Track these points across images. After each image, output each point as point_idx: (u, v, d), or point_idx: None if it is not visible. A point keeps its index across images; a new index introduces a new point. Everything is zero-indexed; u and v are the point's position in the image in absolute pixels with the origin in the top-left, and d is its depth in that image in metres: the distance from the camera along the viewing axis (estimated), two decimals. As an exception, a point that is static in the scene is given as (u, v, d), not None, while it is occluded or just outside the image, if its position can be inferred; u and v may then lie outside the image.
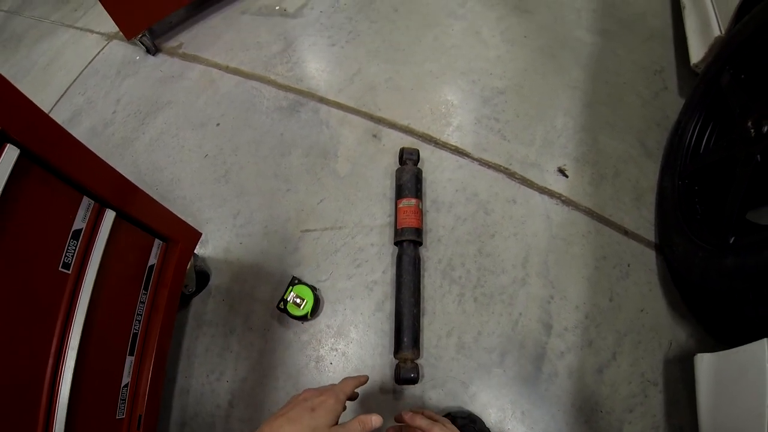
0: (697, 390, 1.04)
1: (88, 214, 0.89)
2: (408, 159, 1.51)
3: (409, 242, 1.36)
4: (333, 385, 0.81)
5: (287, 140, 1.75)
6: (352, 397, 0.87)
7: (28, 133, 0.72)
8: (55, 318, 0.81)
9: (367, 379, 0.92)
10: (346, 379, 0.84)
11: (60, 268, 0.82)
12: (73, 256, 0.84)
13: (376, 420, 0.73)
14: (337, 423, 0.72)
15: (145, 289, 1.10)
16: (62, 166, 0.80)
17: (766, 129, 1.05)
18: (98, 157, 0.90)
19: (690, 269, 1.16)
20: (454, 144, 1.65)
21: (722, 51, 1.33)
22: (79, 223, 0.86)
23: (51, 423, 0.79)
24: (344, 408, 0.78)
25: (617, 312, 1.32)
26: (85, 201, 0.88)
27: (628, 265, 1.38)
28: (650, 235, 1.43)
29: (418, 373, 1.20)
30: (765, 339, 0.86)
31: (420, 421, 0.84)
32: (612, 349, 1.26)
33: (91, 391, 0.89)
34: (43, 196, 0.78)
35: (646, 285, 1.35)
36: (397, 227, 1.39)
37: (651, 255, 1.40)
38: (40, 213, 0.77)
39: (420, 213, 1.41)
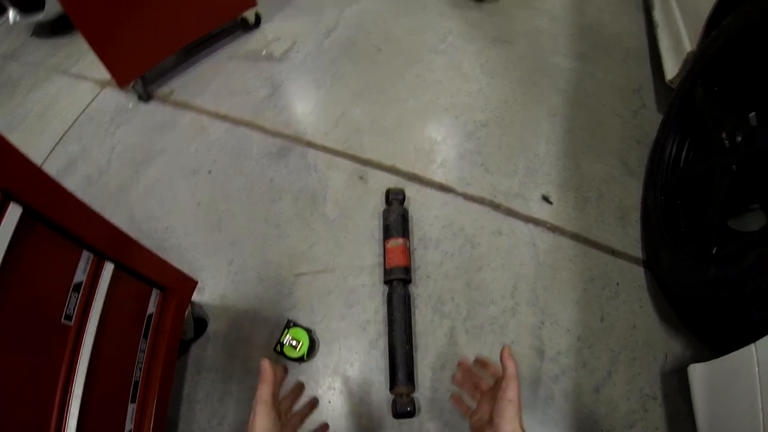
0: (693, 400, 1.06)
1: (88, 267, 0.92)
2: (394, 199, 1.56)
3: (398, 281, 1.39)
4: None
5: (277, 186, 1.79)
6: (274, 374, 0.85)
7: (30, 191, 0.75)
8: (59, 368, 0.84)
9: (283, 368, 0.92)
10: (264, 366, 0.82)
11: (63, 320, 0.85)
12: (74, 308, 0.87)
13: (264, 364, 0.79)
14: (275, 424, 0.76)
15: (145, 337, 1.13)
16: (63, 221, 0.84)
17: (739, 139, 1.09)
18: (96, 212, 0.93)
19: (677, 282, 1.19)
20: (438, 181, 1.69)
21: (694, 66, 1.38)
22: (80, 276, 0.89)
23: (58, 471, 0.81)
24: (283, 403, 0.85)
25: (610, 331, 1.34)
26: (85, 254, 0.91)
27: (617, 284, 1.41)
28: (637, 252, 1.46)
29: (414, 407, 1.22)
30: (752, 344, 0.88)
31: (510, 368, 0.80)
32: (607, 368, 1.28)
33: (95, 437, 0.92)
34: (46, 251, 0.82)
35: (636, 302, 1.38)
36: (386, 267, 1.43)
37: (639, 272, 1.43)
38: (42, 267, 0.81)
39: (407, 251, 1.45)
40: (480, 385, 0.93)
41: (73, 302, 0.87)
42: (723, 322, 1.15)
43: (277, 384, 0.83)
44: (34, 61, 2.89)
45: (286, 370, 0.95)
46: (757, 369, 0.85)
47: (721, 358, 0.97)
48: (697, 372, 1.05)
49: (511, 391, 0.75)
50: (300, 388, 0.99)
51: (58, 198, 0.84)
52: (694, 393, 1.06)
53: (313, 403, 1.00)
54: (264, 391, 0.77)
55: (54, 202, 0.83)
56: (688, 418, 1.15)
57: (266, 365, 0.80)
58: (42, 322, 0.81)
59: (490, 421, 0.77)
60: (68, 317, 0.86)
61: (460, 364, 1.01)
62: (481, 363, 0.97)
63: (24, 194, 0.74)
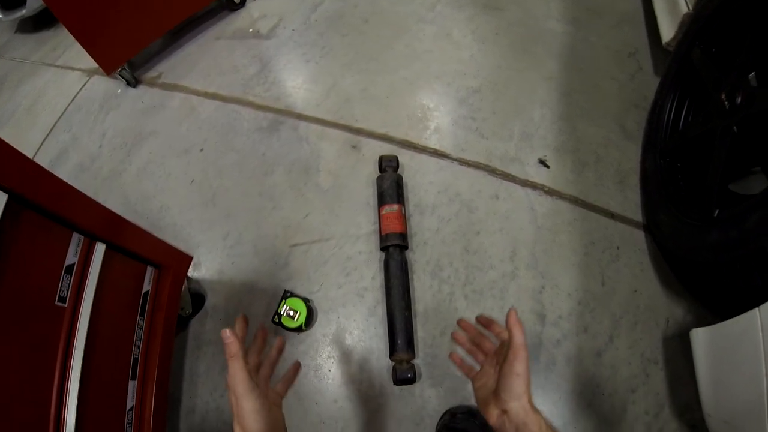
0: (695, 364, 1.04)
1: (79, 249, 0.91)
2: (387, 166, 1.54)
3: (395, 247, 1.38)
4: None
5: (269, 159, 1.77)
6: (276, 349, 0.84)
7: (14, 178, 0.74)
8: (56, 350, 0.83)
9: (242, 318, 0.83)
10: (226, 334, 0.71)
11: (56, 302, 0.84)
12: (68, 290, 0.87)
13: (278, 342, 0.79)
14: (249, 386, 0.68)
15: (142, 315, 1.12)
16: (49, 205, 0.83)
17: (739, 100, 1.06)
18: (83, 193, 0.93)
19: (678, 246, 1.17)
20: (432, 147, 1.67)
21: (691, 27, 1.36)
22: (71, 258, 0.89)
23: (60, 451, 0.80)
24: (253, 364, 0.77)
25: (611, 295, 1.33)
26: (75, 237, 0.90)
27: (618, 248, 1.40)
28: (637, 216, 1.45)
29: (415, 373, 1.22)
30: (756, 309, 0.86)
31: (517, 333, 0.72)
32: (608, 333, 1.27)
33: (96, 416, 0.91)
34: (34, 236, 0.81)
35: (637, 266, 1.36)
36: (382, 233, 1.41)
37: (640, 235, 1.41)
38: (32, 252, 0.80)
39: (403, 218, 1.43)
40: (483, 345, 0.86)
41: (66, 284, 0.87)
42: (725, 285, 1.14)
43: (247, 353, 0.76)
44: (20, 56, 2.88)
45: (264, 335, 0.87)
46: (761, 334, 0.84)
47: (724, 323, 0.96)
48: (700, 337, 1.04)
49: (519, 365, 0.68)
50: (263, 337, 0.88)
51: (43, 182, 0.83)
52: (696, 358, 1.05)
53: (296, 368, 0.89)
54: (237, 369, 0.68)
55: (39, 186, 0.82)
56: (689, 382, 1.15)
57: (227, 335, 0.70)
58: (35, 306, 0.81)
59: (496, 393, 0.71)
60: (62, 299, 0.85)
61: (460, 322, 0.94)
62: (484, 322, 0.87)
63: (8, 181, 0.73)
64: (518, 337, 0.70)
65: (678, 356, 1.21)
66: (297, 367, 0.87)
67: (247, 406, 0.67)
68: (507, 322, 0.73)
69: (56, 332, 0.84)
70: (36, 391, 0.80)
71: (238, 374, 0.68)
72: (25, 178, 0.78)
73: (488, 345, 0.86)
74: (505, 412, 0.69)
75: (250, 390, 0.67)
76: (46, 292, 0.83)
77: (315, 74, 2.01)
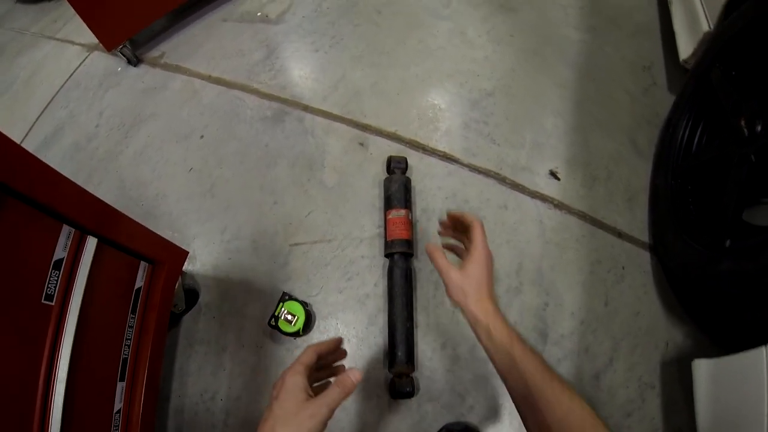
0: (695, 395, 1.03)
1: (69, 242, 0.86)
2: (396, 168, 1.49)
3: (399, 254, 1.34)
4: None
5: (272, 151, 1.72)
6: (336, 355, 0.81)
7: (0, 165, 0.69)
8: (41, 351, 0.79)
9: (338, 342, 0.80)
10: (307, 347, 0.73)
11: (43, 301, 0.79)
12: (55, 287, 0.82)
13: (355, 375, 0.67)
14: (306, 396, 0.64)
15: (133, 312, 1.08)
16: (38, 196, 0.78)
17: (759, 128, 1.03)
18: (76, 183, 0.87)
19: (685, 271, 1.16)
20: (442, 150, 1.63)
21: (711, 47, 1.32)
22: (60, 252, 0.83)
23: (44, 455, 0.77)
24: (319, 375, 0.75)
25: (613, 316, 1.31)
26: (65, 229, 0.85)
27: (623, 268, 1.37)
28: (644, 236, 1.42)
29: (413, 387, 1.19)
30: (763, 347, 0.85)
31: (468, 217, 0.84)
32: (609, 354, 1.26)
33: (82, 420, 0.87)
34: (20, 228, 0.76)
35: (641, 287, 1.34)
36: (387, 239, 1.37)
37: (645, 256, 1.39)
38: (18, 245, 0.75)
39: (410, 223, 1.39)
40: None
41: (53, 281, 0.82)
42: (730, 316, 1.15)
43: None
44: (19, 27, 2.79)
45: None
46: (766, 373, 0.83)
47: (729, 357, 0.94)
48: (702, 368, 1.03)
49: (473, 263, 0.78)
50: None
51: (31, 170, 0.78)
52: (696, 389, 1.03)
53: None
54: (306, 355, 0.70)
55: (27, 174, 0.76)
56: (684, 409, 1.15)
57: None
58: (19, 304, 0.76)
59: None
60: (49, 297, 0.80)
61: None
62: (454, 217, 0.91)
63: None
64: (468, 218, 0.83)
65: (675, 382, 1.20)
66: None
67: (286, 383, 0.65)
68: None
69: (42, 333, 0.79)
70: (19, 391, 0.75)
71: (303, 357, 0.69)
72: (11, 165, 0.72)
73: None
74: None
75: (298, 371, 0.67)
76: (32, 289, 0.78)
77: (324, 64, 1.96)
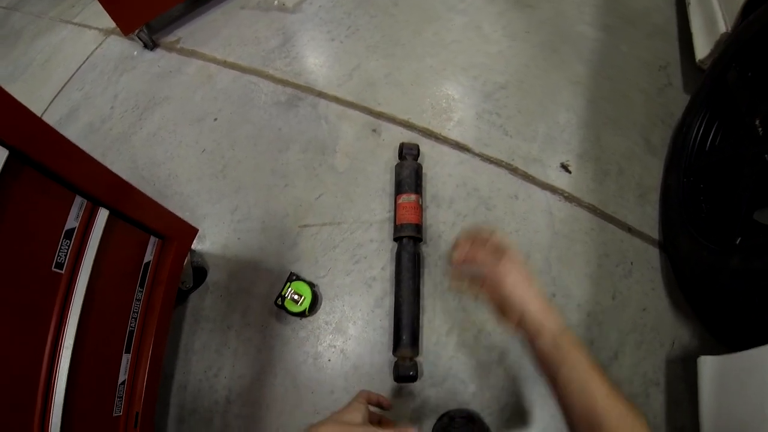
0: (699, 393, 1.02)
1: (81, 213, 0.87)
2: (408, 154, 1.49)
3: (408, 238, 1.34)
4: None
5: (285, 135, 1.73)
6: (383, 405, 0.89)
7: (16, 133, 0.71)
8: (49, 317, 0.80)
9: (389, 404, 0.91)
10: (361, 390, 0.83)
11: (53, 268, 0.81)
12: (66, 256, 0.83)
13: None
14: (367, 419, 0.73)
15: (141, 286, 1.09)
16: (53, 166, 0.79)
17: None
18: (90, 156, 0.89)
19: (694, 269, 1.15)
20: (454, 139, 1.63)
21: (729, 48, 1.31)
22: (72, 222, 0.85)
23: (47, 421, 0.78)
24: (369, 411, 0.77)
25: (620, 311, 1.29)
26: (78, 200, 0.87)
27: (632, 263, 1.36)
28: (654, 232, 1.41)
29: (417, 371, 1.19)
30: None
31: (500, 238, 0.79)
32: (614, 349, 1.24)
33: (87, 389, 0.88)
34: (34, 196, 0.77)
35: (649, 283, 1.33)
36: (397, 223, 1.37)
37: (654, 253, 1.38)
38: (31, 213, 0.76)
39: (420, 209, 1.39)
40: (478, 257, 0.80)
41: (64, 249, 0.83)
42: (737, 314, 1.13)
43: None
44: (37, 11, 2.84)
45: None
46: None
47: (735, 355, 0.93)
48: (708, 365, 1.02)
49: (513, 269, 0.73)
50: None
51: (47, 141, 0.80)
52: (701, 386, 1.02)
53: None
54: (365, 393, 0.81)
55: (43, 144, 0.78)
56: (687, 407, 1.13)
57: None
58: (30, 270, 0.77)
59: (503, 305, 0.73)
60: (59, 265, 0.82)
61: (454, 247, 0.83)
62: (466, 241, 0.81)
63: (10, 136, 0.70)
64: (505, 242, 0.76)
65: (678, 380, 1.18)
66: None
67: (352, 404, 0.74)
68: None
69: (51, 299, 0.81)
70: (27, 356, 0.76)
71: (363, 406, 0.74)
72: (29, 135, 0.74)
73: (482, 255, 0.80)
74: (521, 320, 0.70)
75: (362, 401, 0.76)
76: (44, 256, 0.80)
77: (339, 53, 1.96)
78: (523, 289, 0.71)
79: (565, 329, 0.68)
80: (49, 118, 2.06)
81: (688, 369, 1.16)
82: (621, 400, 0.60)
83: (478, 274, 0.77)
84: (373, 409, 0.81)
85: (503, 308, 0.74)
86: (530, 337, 0.70)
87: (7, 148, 0.68)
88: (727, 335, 1.21)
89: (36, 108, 2.11)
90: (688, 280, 1.30)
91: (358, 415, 0.71)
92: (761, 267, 0.92)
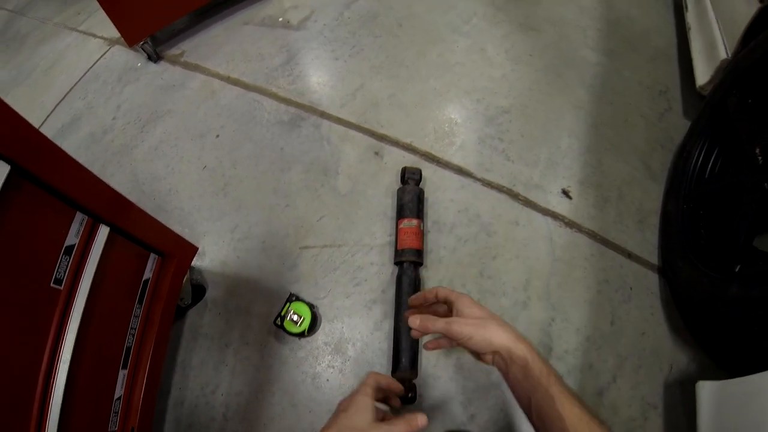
0: (698, 417, 1.02)
1: (81, 229, 0.87)
2: (410, 178, 1.50)
3: (409, 263, 1.34)
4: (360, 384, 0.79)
5: (287, 155, 1.73)
6: (395, 391, 0.88)
7: (18, 148, 0.71)
8: (47, 333, 0.80)
9: (399, 392, 0.90)
10: (371, 373, 0.82)
11: (52, 284, 0.80)
12: (65, 272, 0.83)
13: (422, 419, 0.70)
14: (374, 418, 0.71)
15: (140, 303, 1.09)
16: (54, 182, 0.79)
17: None
18: (92, 173, 0.89)
19: (693, 295, 1.15)
20: (457, 164, 1.64)
21: (729, 74, 1.32)
22: (72, 238, 0.85)
23: (42, 436, 0.77)
24: (377, 400, 0.77)
25: (619, 336, 1.30)
26: (78, 216, 0.86)
27: (631, 289, 1.37)
28: (653, 258, 1.42)
29: (415, 393, 1.19)
30: None
31: (443, 291, 0.84)
32: (612, 372, 1.25)
33: (82, 404, 0.88)
34: (35, 212, 0.77)
35: (648, 309, 1.34)
36: (398, 248, 1.38)
37: (654, 278, 1.39)
38: (31, 229, 0.76)
39: (421, 234, 1.40)
40: (438, 312, 0.89)
41: (63, 266, 0.83)
42: (736, 341, 1.14)
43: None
44: (42, 17, 2.85)
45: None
46: None
47: (734, 380, 0.93)
48: (706, 390, 1.02)
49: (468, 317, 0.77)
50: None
51: (50, 157, 0.80)
52: (700, 411, 1.02)
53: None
54: (372, 379, 0.79)
55: (45, 160, 0.78)
56: (684, 431, 1.14)
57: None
58: (29, 285, 0.77)
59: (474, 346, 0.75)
60: (58, 281, 0.82)
61: (407, 313, 0.91)
62: (419, 301, 0.91)
63: (12, 151, 0.69)
64: (442, 292, 0.84)
65: (677, 404, 1.19)
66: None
67: (357, 400, 0.73)
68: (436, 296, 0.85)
69: (49, 315, 0.81)
70: (23, 371, 0.76)
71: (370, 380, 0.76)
72: (30, 150, 0.74)
73: (441, 309, 0.89)
74: (495, 352, 0.74)
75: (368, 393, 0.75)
76: (43, 272, 0.79)
77: (343, 73, 1.97)
78: (484, 327, 0.75)
79: (535, 357, 0.72)
80: (51, 127, 2.06)
81: (686, 393, 1.16)
82: (593, 423, 0.64)
83: (441, 331, 0.80)
84: (379, 405, 0.79)
85: (473, 351, 0.77)
86: (503, 370, 0.75)
87: (8, 163, 0.69)
88: (726, 361, 1.21)
89: (38, 115, 2.16)
90: (687, 306, 1.30)
91: (364, 416, 0.70)
92: (760, 295, 0.92)
